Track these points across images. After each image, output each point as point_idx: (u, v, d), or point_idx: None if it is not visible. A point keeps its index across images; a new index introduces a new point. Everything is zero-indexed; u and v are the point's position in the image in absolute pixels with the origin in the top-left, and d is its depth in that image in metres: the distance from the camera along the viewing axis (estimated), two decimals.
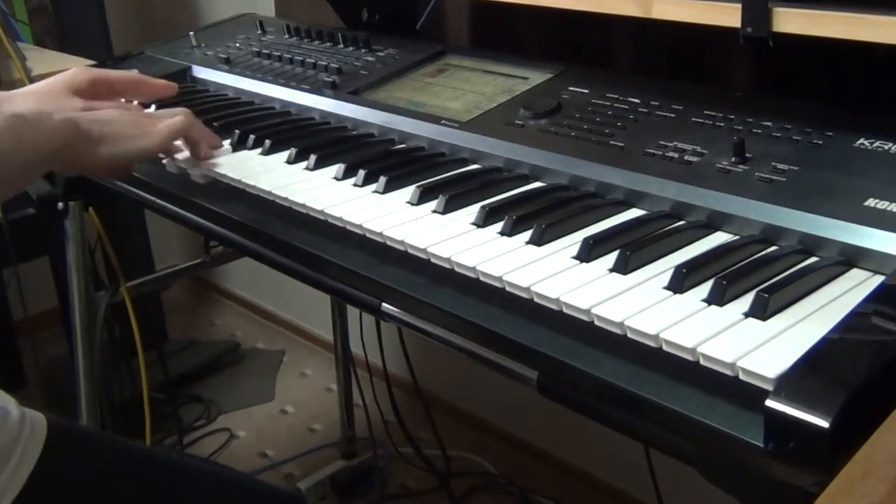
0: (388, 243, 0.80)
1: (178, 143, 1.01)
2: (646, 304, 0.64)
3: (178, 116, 0.99)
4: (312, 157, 0.97)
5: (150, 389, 1.57)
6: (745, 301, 0.63)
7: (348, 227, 0.84)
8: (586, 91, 0.99)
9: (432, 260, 0.76)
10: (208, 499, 0.95)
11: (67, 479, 0.84)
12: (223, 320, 2.59)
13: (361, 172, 0.91)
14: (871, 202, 0.70)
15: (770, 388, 0.54)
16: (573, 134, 0.91)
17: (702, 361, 0.58)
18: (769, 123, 0.84)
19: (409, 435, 1.77)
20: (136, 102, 1.09)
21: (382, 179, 0.89)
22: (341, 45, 1.27)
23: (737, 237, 0.74)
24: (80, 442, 0.90)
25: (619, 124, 0.90)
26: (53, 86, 0.99)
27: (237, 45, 1.36)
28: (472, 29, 1.41)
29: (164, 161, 1.03)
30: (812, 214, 0.71)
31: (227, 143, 1.06)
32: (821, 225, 0.70)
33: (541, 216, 0.78)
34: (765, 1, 0.80)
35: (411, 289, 0.75)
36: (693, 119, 0.88)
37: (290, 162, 0.99)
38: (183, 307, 2.64)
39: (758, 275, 0.66)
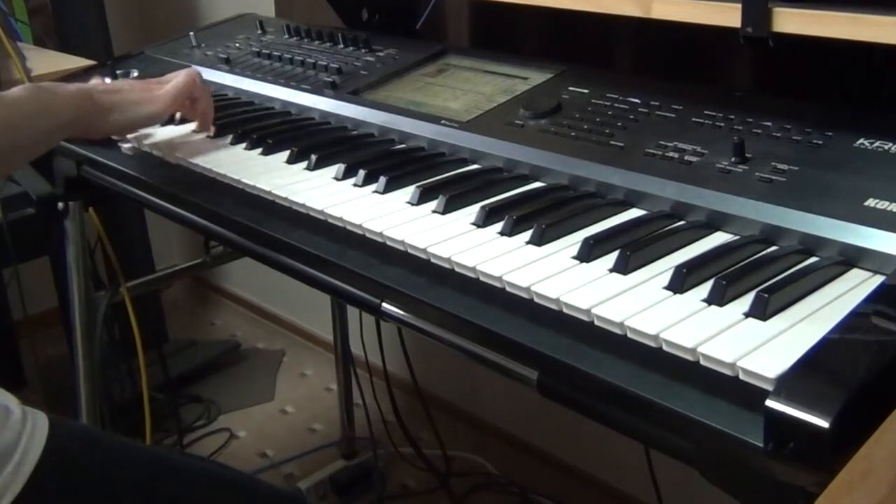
0: (388, 243, 0.80)
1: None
2: (646, 304, 0.64)
3: (179, 75, 1.05)
4: (312, 157, 0.97)
5: (150, 389, 1.56)
6: (745, 301, 0.63)
7: (348, 227, 0.84)
8: (586, 91, 0.99)
9: (432, 260, 0.76)
10: (209, 498, 0.95)
11: (69, 477, 0.84)
12: (223, 320, 2.59)
13: (361, 172, 0.91)
14: (871, 202, 0.70)
15: (770, 388, 0.54)
16: (573, 134, 0.91)
17: (702, 361, 0.58)
18: (769, 123, 0.84)
19: (409, 435, 1.77)
20: None
21: (382, 179, 0.89)
22: (341, 45, 1.27)
23: (737, 237, 0.74)
24: (82, 441, 0.90)
25: (619, 124, 0.90)
26: None
27: (237, 45, 1.36)
28: (472, 29, 1.41)
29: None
30: (812, 214, 0.71)
31: (226, 143, 1.07)
32: (821, 225, 0.70)
33: (541, 216, 0.78)
34: (765, 1, 0.80)
35: (411, 289, 0.75)
36: (693, 119, 0.88)
37: (290, 162, 0.99)
38: (183, 307, 2.64)
39: (758, 275, 0.66)
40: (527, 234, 0.77)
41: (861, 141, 0.78)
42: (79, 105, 0.97)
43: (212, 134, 1.08)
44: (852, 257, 0.68)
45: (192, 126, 1.11)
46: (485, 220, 0.80)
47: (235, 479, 1.01)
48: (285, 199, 0.90)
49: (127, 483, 0.89)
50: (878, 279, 0.66)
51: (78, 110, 0.97)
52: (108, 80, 1.12)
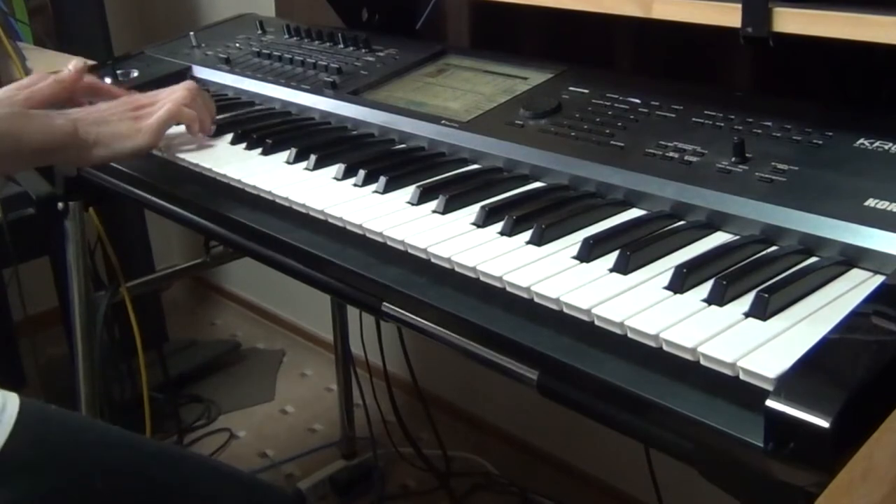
0: (388, 243, 0.80)
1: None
2: (646, 304, 0.64)
3: (164, 106, 1.02)
4: (312, 157, 0.97)
5: (150, 389, 1.56)
6: (746, 301, 0.63)
7: (348, 227, 0.84)
8: (586, 91, 0.99)
9: (432, 260, 0.76)
10: (187, 482, 0.95)
11: (39, 454, 0.85)
12: (223, 320, 2.59)
13: (361, 172, 0.91)
14: (871, 202, 0.70)
15: (770, 388, 0.54)
16: (573, 134, 0.91)
17: (702, 361, 0.58)
18: (769, 123, 0.84)
19: (409, 435, 1.77)
20: None
21: (382, 179, 0.89)
22: (341, 45, 1.27)
23: (737, 237, 0.74)
24: (54, 421, 0.90)
25: (619, 124, 0.90)
26: (12, 98, 1.04)
27: (237, 45, 1.36)
28: (472, 29, 1.41)
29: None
30: (812, 214, 0.71)
31: (226, 143, 1.07)
32: (821, 225, 0.70)
33: (541, 216, 0.78)
34: (765, 1, 0.80)
35: (411, 289, 0.75)
36: (693, 119, 0.88)
37: (290, 162, 0.99)
38: (183, 307, 2.64)
39: (758, 275, 0.66)
40: (527, 234, 0.77)
41: (861, 141, 0.78)
42: (57, 138, 0.96)
43: (210, 134, 1.08)
44: (852, 257, 0.68)
45: None
46: (485, 220, 0.80)
47: (217, 467, 1.02)
48: (285, 199, 0.90)
49: (101, 462, 0.89)
50: (878, 279, 0.66)
51: (55, 142, 0.96)
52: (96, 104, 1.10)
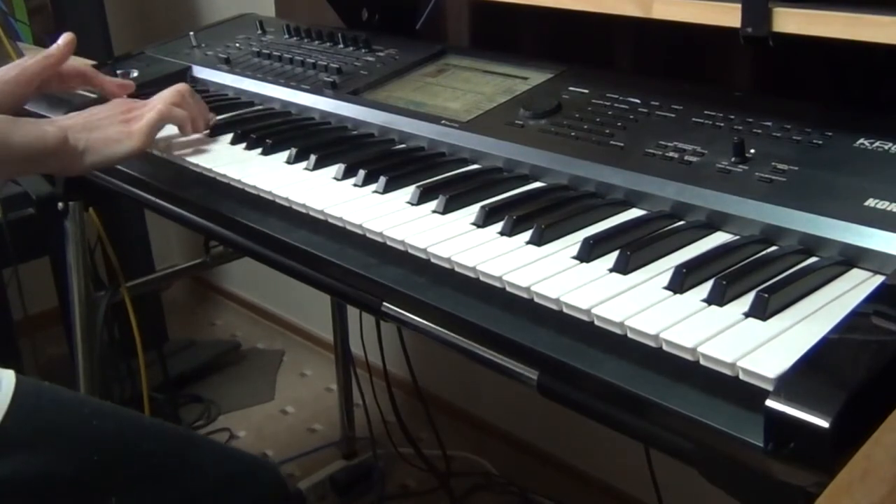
0: (388, 243, 0.80)
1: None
2: (646, 304, 0.64)
3: (155, 107, 1.02)
4: (312, 157, 0.97)
5: (150, 389, 1.56)
6: (745, 301, 0.63)
7: (348, 227, 0.84)
8: (586, 91, 0.99)
9: (432, 260, 0.76)
10: (179, 454, 0.96)
11: (36, 429, 0.86)
12: (223, 320, 2.59)
13: (361, 172, 0.91)
14: (871, 202, 0.70)
15: (770, 388, 0.54)
16: (573, 134, 0.91)
17: (702, 361, 0.58)
18: (769, 123, 0.84)
19: (409, 435, 1.77)
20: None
21: (382, 179, 0.89)
22: (341, 45, 1.27)
23: (737, 237, 0.74)
24: (50, 397, 0.91)
25: (619, 124, 0.90)
26: (4, 76, 1.06)
27: (237, 45, 1.36)
28: (472, 29, 1.41)
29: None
30: (812, 214, 0.71)
31: (226, 143, 1.07)
32: (821, 225, 0.70)
33: (541, 216, 0.78)
34: (765, 1, 0.80)
35: (411, 289, 0.75)
36: (693, 119, 0.88)
37: (290, 162, 0.99)
38: (183, 307, 2.64)
39: (758, 275, 0.66)
40: (527, 234, 0.77)
41: (861, 141, 0.78)
42: (48, 145, 0.94)
43: (203, 133, 1.08)
44: (852, 257, 0.68)
45: None
46: (485, 220, 0.80)
47: (208, 442, 1.03)
48: (285, 199, 0.90)
49: (96, 436, 0.90)
50: (878, 279, 0.66)
51: (46, 150, 0.94)
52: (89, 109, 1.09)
